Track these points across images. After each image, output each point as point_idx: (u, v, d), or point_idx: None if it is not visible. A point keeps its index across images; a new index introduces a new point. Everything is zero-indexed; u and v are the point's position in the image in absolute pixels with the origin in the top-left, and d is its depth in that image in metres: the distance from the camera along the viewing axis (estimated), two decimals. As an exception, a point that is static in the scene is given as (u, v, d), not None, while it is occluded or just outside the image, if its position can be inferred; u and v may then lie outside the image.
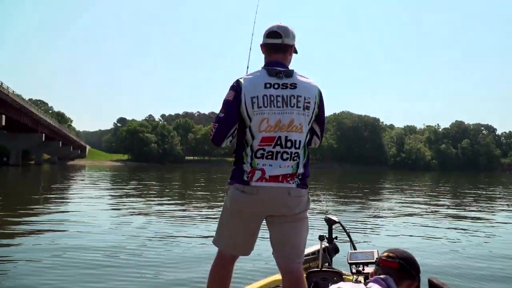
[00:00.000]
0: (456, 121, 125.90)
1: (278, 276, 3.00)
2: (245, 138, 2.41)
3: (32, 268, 5.63)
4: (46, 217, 10.72)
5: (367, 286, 1.84)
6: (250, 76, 2.43)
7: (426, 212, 13.91)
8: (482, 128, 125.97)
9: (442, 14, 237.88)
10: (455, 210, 15.10)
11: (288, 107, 2.36)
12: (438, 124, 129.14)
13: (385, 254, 1.95)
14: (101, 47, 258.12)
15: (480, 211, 14.87)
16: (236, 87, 2.38)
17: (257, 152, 2.38)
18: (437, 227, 10.36)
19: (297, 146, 2.40)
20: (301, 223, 2.51)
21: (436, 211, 14.20)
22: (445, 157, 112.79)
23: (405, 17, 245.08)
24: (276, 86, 2.37)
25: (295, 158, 2.40)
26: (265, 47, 2.52)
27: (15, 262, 6.06)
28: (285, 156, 2.38)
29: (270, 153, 2.37)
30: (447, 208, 15.43)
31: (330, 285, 2.03)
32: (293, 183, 2.42)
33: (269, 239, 2.52)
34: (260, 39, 2.56)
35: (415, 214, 13.05)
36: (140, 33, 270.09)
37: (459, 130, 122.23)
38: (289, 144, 2.37)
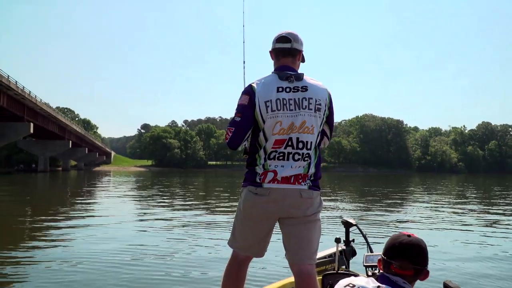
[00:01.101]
0: (482, 122, 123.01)
1: (291, 279, 3.01)
2: (258, 141, 2.46)
3: (64, 269, 5.80)
4: (73, 221, 10.97)
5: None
6: (262, 81, 2.48)
7: (449, 215, 13.62)
8: (510, 129, 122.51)
9: (466, 10, 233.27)
10: (481, 213, 14.74)
11: (300, 109, 2.41)
12: (464, 126, 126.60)
13: (398, 263, 1.80)
14: (126, 55, 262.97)
15: (509, 215, 14.48)
16: (250, 92, 2.44)
17: (270, 154, 2.43)
18: (460, 231, 10.16)
19: (308, 147, 2.44)
20: (313, 225, 2.52)
21: (460, 215, 13.89)
22: (472, 159, 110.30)
23: (431, 15, 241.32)
24: (287, 89, 2.43)
25: (306, 159, 2.45)
26: (275, 52, 2.58)
27: (48, 262, 6.24)
28: (296, 157, 2.42)
29: (281, 154, 2.42)
30: (472, 212, 15.07)
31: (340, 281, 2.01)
32: (304, 184, 2.45)
33: (281, 241, 2.55)
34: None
35: (437, 217, 12.81)
36: (164, 41, 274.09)
37: (486, 131, 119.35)
38: (300, 145, 2.42)
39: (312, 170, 2.48)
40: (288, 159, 2.43)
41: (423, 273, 1.82)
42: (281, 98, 2.40)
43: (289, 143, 2.41)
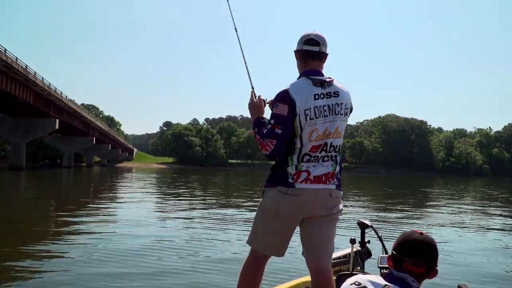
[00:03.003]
0: (509, 124, 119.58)
1: (307, 278, 3.02)
2: (294, 145, 2.48)
3: (83, 264, 5.92)
4: (95, 217, 11.18)
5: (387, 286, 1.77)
6: (299, 88, 2.46)
7: (471, 219, 13.35)
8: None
9: (491, 8, 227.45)
10: (504, 218, 14.40)
11: (333, 115, 2.48)
12: (490, 127, 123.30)
13: (411, 260, 1.79)
14: (150, 53, 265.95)
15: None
16: (289, 101, 2.41)
17: (303, 157, 2.47)
18: (480, 235, 9.97)
19: (337, 150, 2.56)
20: (334, 224, 2.61)
21: (483, 219, 13.61)
22: (498, 161, 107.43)
23: (455, 14, 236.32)
24: (322, 96, 2.46)
25: (334, 159, 2.55)
26: (302, 54, 2.57)
27: (69, 258, 6.41)
28: (326, 158, 2.51)
29: (315, 158, 2.49)
30: (495, 216, 14.74)
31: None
32: (333, 183, 2.54)
33: (298, 240, 2.59)
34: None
35: (457, 222, 12.56)
36: (186, 40, 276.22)
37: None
38: (331, 149, 2.51)
39: (337, 168, 2.58)
40: (319, 161, 2.50)
41: (432, 272, 1.82)
42: (318, 106, 2.44)
43: (324, 148, 2.49)
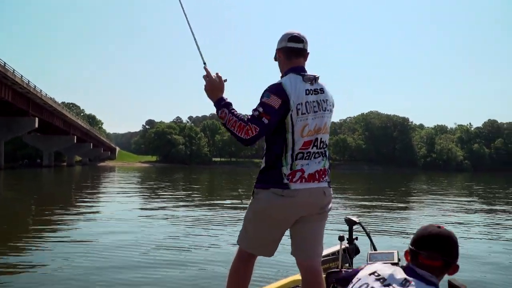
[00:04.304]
0: (489, 120, 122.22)
1: (297, 277, 2.97)
2: (286, 143, 2.43)
3: (66, 265, 5.74)
4: (76, 216, 10.96)
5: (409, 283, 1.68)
6: (292, 83, 2.44)
7: (455, 214, 13.48)
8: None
9: (474, 12, 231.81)
10: (486, 213, 14.59)
11: (322, 111, 2.50)
12: (470, 123, 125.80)
13: (426, 253, 1.72)
14: (131, 51, 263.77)
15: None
16: (284, 96, 2.37)
17: (297, 155, 2.44)
18: (465, 230, 10.03)
19: (325, 145, 2.58)
20: (325, 222, 2.62)
21: (466, 213, 13.75)
22: (478, 157, 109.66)
23: (435, 14, 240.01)
24: (312, 92, 2.48)
25: (324, 154, 2.57)
26: (286, 51, 2.56)
27: (49, 257, 6.20)
28: (317, 155, 2.52)
29: (308, 154, 2.47)
30: (477, 211, 14.92)
31: (365, 266, 1.91)
32: (325, 181, 2.53)
33: (285, 239, 2.54)
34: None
35: (442, 216, 12.67)
36: (168, 37, 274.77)
37: (492, 129, 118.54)
38: (322, 144, 2.53)
39: (327, 164, 2.60)
40: (311, 158, 2.49)
41: (452, 267, 1.75)
42: (309, 101, 2.45)
43: (315, 143, 2.49)
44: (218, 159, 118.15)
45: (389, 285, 1.71)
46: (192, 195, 18.86)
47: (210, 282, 5.10)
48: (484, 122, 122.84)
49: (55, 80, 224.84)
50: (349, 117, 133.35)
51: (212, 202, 15.78)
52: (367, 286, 1.77)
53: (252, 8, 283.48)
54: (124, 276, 5.26)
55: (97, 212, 12.15)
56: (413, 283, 1.67)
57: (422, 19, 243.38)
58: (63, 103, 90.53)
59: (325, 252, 3.67)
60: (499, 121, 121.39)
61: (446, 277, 1.83)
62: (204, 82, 2.51)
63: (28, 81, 45.82)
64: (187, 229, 9.07)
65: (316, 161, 2.50)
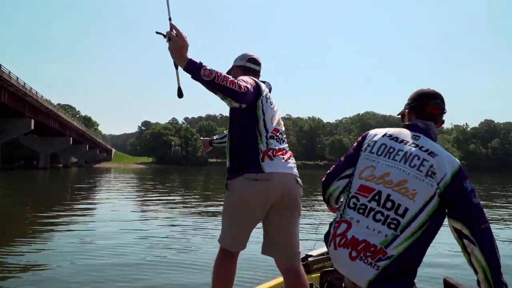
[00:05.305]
0: (485, 120, 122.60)
1: (280, 279, 2.95)
2: (258, 127, 2.47)
3: (61, 267, 5.66)
4: (72, 218, 10.85)
5: (417, 137, 1.99)
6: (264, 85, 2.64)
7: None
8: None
9: (473, 10, 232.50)
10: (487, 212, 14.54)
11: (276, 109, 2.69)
12: (466, 124, 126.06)
13: (434, 102, 2.07)
14: (126, 52, 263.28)
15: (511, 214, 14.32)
16: (257, 82, 2.54)
17: (270, 137, 2.51)
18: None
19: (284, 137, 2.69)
20: (299, 218, 2.58)
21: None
22: (475, 157, 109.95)
23: (433, 15, 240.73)
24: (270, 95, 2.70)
25: (286, 143, 2.68)
26: (245, 69, 2.78)
27: (45, 259, 6.12)
28: (282, 141, 2.61)
29: (278, 138, 2.55)
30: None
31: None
32: (294, 168, 2.54)
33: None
34: None
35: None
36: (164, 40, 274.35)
37: (489, 130, 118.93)
38: (283, 135, 2.64)
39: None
40: (280, 142, 2.57)
41: (442, 119, 2.12)
42: (270, 97, 2.64)
43: (280, 132, 2.60)
44: (214, 160, 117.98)
45: (402, 141, 1.98)
46: (189, 196, 18.77)
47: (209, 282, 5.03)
48: (481, 122, 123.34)
49: (51, 82, 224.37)
50: (345, 118, 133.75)
51: (208, 202, 15.70)
52: (385, 145, 1.99)
53: (251, 9, 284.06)
54: (121, 276, 5.21)
55: (93, 213, 12.08)
56: (421, 136, 1.98)
57: (420, 20, 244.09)
58: (58, 104, 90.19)
59: (319, 251, 3.65)
60: (495, 121, 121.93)
61: (442, 275, 1.80)
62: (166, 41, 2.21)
63: (24, 83, 45.62)
64: (184, 229, 9.01)
65: (284, 146, 2.58)
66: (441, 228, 1.86)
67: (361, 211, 1.90)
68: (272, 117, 2.54)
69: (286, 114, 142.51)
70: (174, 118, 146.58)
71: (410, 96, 2.13)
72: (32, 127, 49.40)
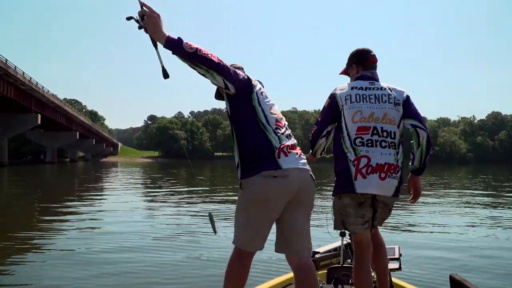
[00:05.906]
0: (492, 112, 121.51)
1: (290, 275, 2.95)
2: (262, 115, 2.46)
3: (66, 262, 5.68)
4: (78, 212, 10.91)
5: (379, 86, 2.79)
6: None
7: (455, 207, 13.37)
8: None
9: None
10: (488, 206, 14.50)
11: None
12: (473, 116, 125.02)
13: (371, 54, 2.86)
14: (132, 46, 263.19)
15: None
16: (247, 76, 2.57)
17: (276, 130, 2.46)
18: (465, 224, 9.97)
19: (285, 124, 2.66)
20: (310, 215, 2.55)
21: (466, 207, 13.65)
22: (482, 150, 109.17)
23: (434, 13, 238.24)
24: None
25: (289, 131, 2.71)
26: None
27: (48, 253, 6.18)
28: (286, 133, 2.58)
29: (282, 133, 2.50)
30: (478, 204, 14.83)
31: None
32: (306, 161, 2.52)
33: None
34: None
35: (442, 210, 12.58)
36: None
37: (496, 122, 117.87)
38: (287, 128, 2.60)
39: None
40: (289, 138, 2.52)
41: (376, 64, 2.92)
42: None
43: (285, 125, 2.59)
44: (220, 153, 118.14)
45: (366, 88, 2.74)
46: (195, 189, 18.80)
47: (215, 279, 5.05)
48: (488, 114, 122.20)
49: (51, 82, 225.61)
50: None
51: (216, 195, 15.74)
52: (359, 95, 2.72)
53: (251, 9, 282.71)
54: (128, 268, 5.23)
55: (100, 205, 12.14)
56: (374, 82, 2.78)
57: (420, 20, 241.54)
58: (65, 99, 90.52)
59: (326, 248, 3.65)
60: (503, 113, 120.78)
61: (447, 272, 1.80)
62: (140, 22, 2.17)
63: (30, 77, 45.81)
64: (190, 223, 9.04)
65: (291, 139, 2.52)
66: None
67: (369, 144, 2.63)
68: (271, 108, 2.50)
69: (292, 107, 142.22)
70: (180, 112, 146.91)
71: (351, 56, 2.89)
72: (39, 122, 49.68)
